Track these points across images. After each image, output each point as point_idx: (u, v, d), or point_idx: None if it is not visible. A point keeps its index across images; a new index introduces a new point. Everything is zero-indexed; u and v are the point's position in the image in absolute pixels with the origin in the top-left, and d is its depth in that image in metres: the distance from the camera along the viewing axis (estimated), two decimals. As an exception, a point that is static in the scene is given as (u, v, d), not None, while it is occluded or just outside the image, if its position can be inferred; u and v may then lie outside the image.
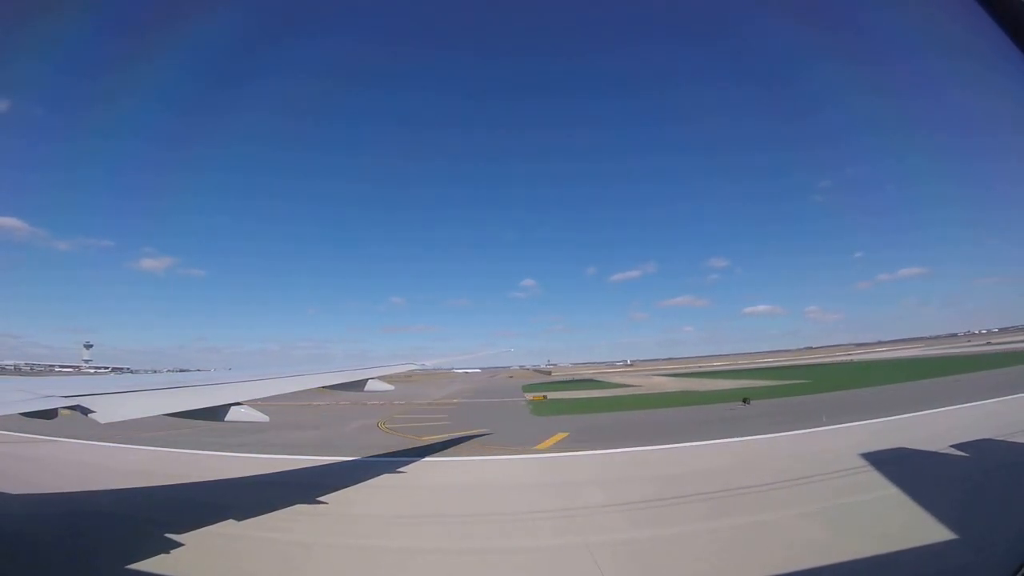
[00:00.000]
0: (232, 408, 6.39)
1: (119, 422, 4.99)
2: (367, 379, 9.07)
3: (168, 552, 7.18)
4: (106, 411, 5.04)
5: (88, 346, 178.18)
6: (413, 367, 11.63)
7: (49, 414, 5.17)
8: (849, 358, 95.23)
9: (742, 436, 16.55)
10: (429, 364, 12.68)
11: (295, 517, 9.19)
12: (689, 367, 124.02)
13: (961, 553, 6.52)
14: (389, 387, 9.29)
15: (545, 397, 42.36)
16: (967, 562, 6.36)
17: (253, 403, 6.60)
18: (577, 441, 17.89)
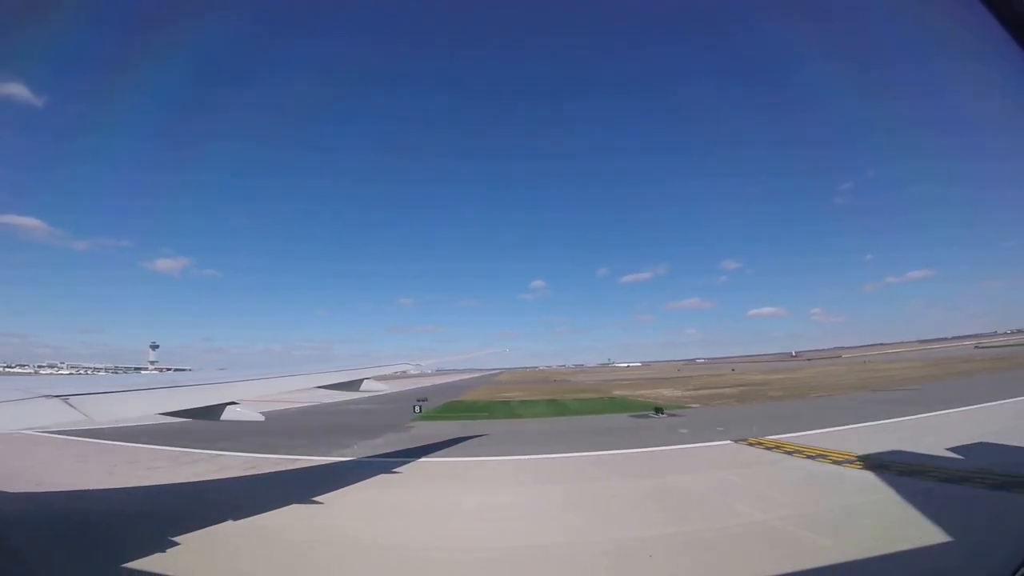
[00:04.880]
0: (228, 407, 6.42)
1: (115, 421, 5.03)
2: (363, 379, 9.11)
3: (165, 551, 7.20)
4: (101, 411, 5.07)
5: (154, 347, 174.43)
6: (408, 367, 11.69)
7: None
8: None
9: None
10: (425, 364, 12.73)
11: (291, 516, 9.23)
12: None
13: None
14: (384, 387, 9.33)
15: None
16: None
17: (249, 402, 6.64)
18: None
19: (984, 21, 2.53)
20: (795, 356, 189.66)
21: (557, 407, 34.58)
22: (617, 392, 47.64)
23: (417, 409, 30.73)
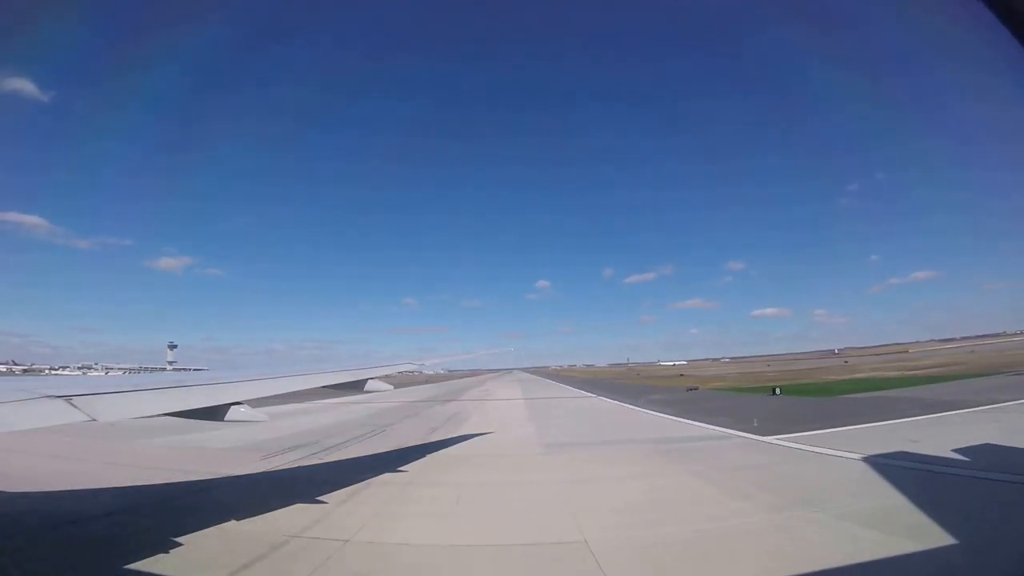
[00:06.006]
0: (232, 408, 6.38)
1: (118, 422, 4.98)
2: (367, 379, 9.08)
3: (167, 552, 7.16)
4: (105, 411, 5.02)
5: (172, 346, 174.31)
6: (413, 367, 11.66)
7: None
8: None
9: None
10: (429, 364, 12.69)
11: (294, 516, 9.18)
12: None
13: None
14: (388, 387, 9.30)
15: None
16: None
17: (252, 402, 6.59)
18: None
19: (991, 27, 2.58)
20: (837, 353, 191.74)
21: (853, 385, 36.61)
22: (829, 377, 48.70)
23: (777, 391, 33.54)
